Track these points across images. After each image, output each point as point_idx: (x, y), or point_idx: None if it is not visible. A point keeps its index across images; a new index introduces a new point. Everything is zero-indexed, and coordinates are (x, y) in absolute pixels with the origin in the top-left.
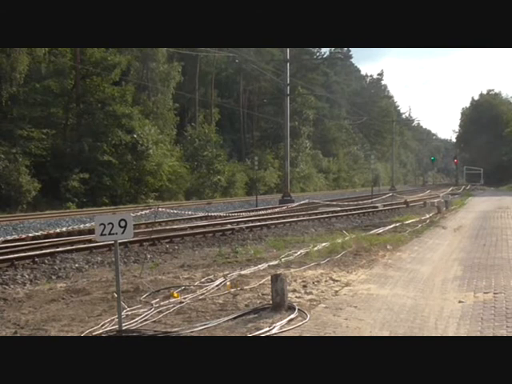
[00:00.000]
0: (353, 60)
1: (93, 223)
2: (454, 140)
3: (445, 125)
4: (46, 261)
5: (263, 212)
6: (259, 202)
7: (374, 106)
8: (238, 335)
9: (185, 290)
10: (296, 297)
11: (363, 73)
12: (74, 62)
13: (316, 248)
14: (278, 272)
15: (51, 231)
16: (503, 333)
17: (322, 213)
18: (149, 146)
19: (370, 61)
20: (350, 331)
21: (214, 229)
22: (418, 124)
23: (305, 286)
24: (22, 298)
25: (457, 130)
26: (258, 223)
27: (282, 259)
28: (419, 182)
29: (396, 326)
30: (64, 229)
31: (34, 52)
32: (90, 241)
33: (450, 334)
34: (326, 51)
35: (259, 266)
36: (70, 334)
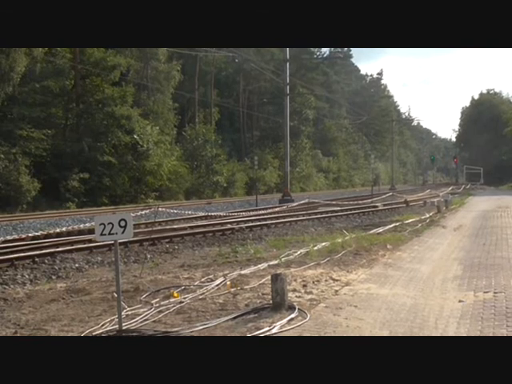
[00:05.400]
0: (352, 59)
1: (93, 223)
2: (453, 139)
3: (445, 124)
4: (46, 261)
5: (263, 212)
6: (259, 202)
7: (374, 106)
8: (237, 335)
9: (185, 290)
10: (296, 296)
11: (363, 72)
12: (73, 62)
13: (316, 247)
14: (278, 271)
15: (51, 231)
16: (503, 332)
17: (321, 212)
18: (149, 146)
19: (369, 59)
20: (350, 331)
21: (213, 228)
22: (418, 123)
23: (305, 286)
24: (22, 298)
25: (457, 130)
26: (258, 223)
27: (282, 259)
28: (419, 181)
29: (396, 325)
30: (64, 229)
31: (34, 52)
32: (89, 241)
33: (450, 333)
34: (325, 51)
35: (259, 265)
36: (70, 334)
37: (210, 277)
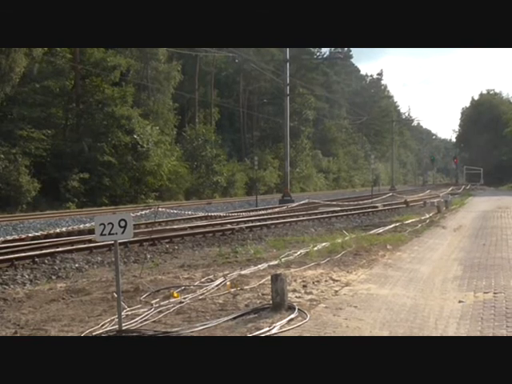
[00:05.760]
0: (353, 60)
1: (93, 223)
2: (453, 140)
3: (445, 124)
4: (46, 261)
5: (263, 212)
6: (259, 202)
7: (374, 106)
8: (238, 335)
9: (185, 290)
10: (296, 297)
11: (363, 72)
12: (73, 63)
13: (316, 248)
14: (278, 272)
15: (51, 231)
16: (503, 333)
17: (321, 213)
18: (149, 146)
19: (369, 59)
20: (350, 331)
21: (213, 229)
22: (418, 124)
23: (305, 286)
24: (22, 298)
25: (457, 130)
26: (258, 223)
27: (282, 259)
28: (419, 181)
29: (396, 325)
30: (64, 229)
31: (34, 52)
32: (89, 241)
33: (450, 333)
34: (325, 51)
35: (259, 265)
36: (70, 334)
37: (210, 277)
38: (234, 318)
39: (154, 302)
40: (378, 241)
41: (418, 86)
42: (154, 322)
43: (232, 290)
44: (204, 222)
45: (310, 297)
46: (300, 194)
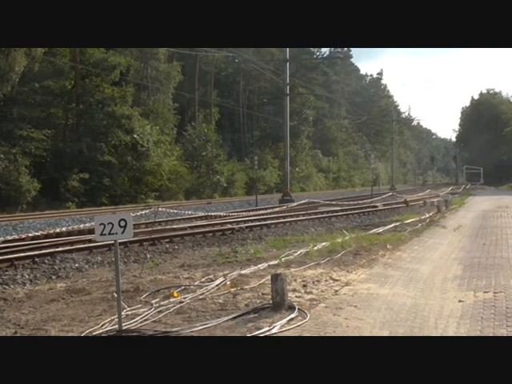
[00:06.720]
0: (352, 59)
1: (92, 223)
2: (453, 139)
3: (445, 124)
4: (46, 261)
5: (263, 212)
6: (259, 202)
7: (374, 106)
8: (237, 335)
9: (185, 290)
10: (296, 296)
11: (363, 72)
12: (73, 62)
13: (316, 247)
14: (278, 271)
15: (51, 231)
16: (503, 332)
17: (321, 212)
18: (149, 146)
19: (369, 59)
20: (350, 331)
21: (213, 228)
22: (418, 123)
23: (305, 286)
24: (22, 298)
25: (457, 129)
26: (258, 223)
27: (282, 259)
28: (419, 181)
29: (396, 325)
30: (64, 229)
31: (33, 52)
32: (89, 241)
33: (450, 333)
34: (325, 51)
35: (259, 265)
36: (70, 334)
37: (210, 277)
38: (234, 318)
39: (153, 301)
40: (378, 240)
41: (417, 86)
42: (154, 321)
43: (232, 289)
44: (204, 222)
45: (310, 296)
46: (300, 193)
